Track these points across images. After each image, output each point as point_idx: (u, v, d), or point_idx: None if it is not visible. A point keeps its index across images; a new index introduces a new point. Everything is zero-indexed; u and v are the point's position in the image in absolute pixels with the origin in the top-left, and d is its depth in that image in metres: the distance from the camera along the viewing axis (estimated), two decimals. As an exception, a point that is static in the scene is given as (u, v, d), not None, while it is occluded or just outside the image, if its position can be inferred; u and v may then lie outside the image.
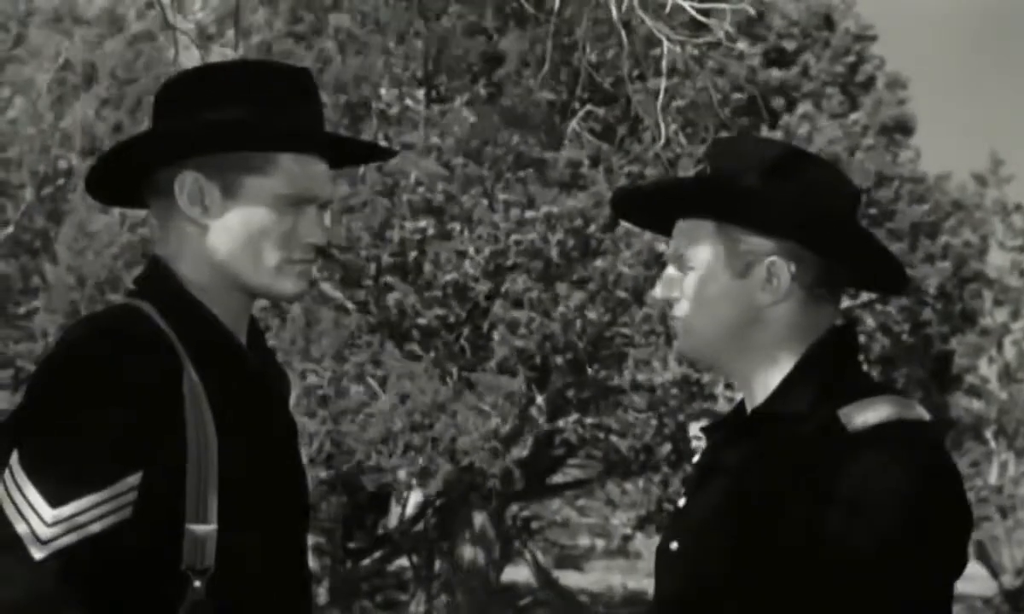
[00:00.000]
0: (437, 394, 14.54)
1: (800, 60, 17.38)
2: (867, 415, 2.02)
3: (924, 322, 17.51)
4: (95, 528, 1.97)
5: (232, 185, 2.13)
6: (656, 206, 2.23)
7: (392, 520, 17.49)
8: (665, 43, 6.48)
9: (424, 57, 15.89)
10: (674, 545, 2.16)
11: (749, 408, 2.17)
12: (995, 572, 19.95)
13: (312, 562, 14.94)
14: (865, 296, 15.57)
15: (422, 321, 15.14)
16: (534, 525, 20.17)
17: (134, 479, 2.00)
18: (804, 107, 16.75)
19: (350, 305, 15.49)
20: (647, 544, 19.40)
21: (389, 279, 15.14)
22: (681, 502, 2.20)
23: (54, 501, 1.96)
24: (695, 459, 2.28)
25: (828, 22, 17.84)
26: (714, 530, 2.09)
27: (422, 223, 14.77)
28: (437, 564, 17.34)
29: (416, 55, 15.90)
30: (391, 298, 15.03)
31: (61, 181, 20.84)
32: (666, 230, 2.22)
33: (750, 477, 2.07)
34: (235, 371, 2.15)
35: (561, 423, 15.53)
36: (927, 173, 17.88)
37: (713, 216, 2.13)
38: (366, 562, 17.94)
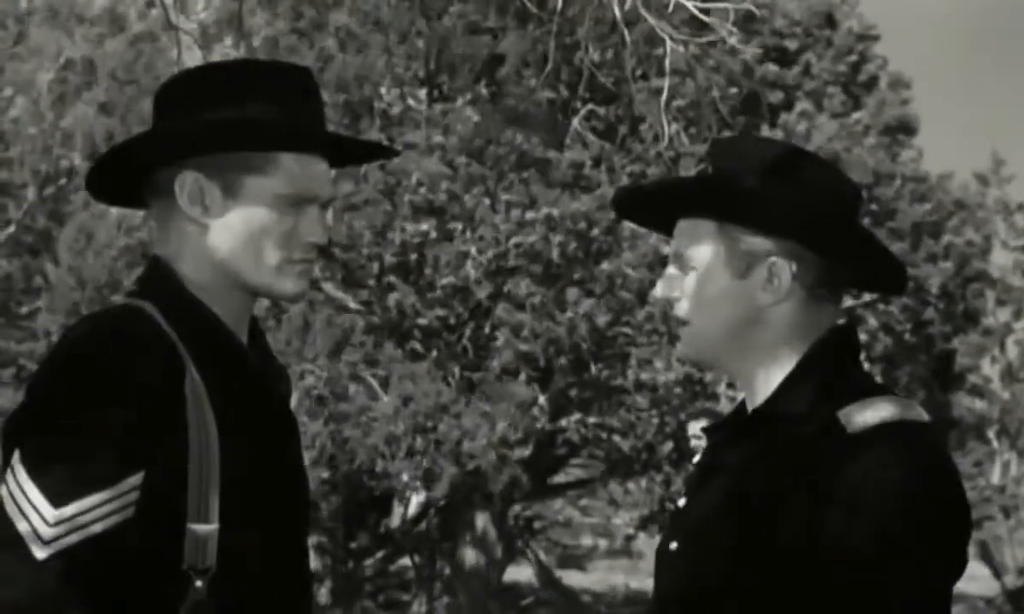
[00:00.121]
0: (440, 395, 14.51)
1: (802, 59, 17.36)
2: (867, 415, 2.02)
3: (927, 321, 17.49)
4: (97, 528, 1.97)
5: (233, 185, 2.13)
6: (657, 206, 2.24)
7: (394, 520, 17.45)
8: (668, 42, 6.47)
9: (426, 56, 15.88)
10: (674, 545, 2.16)
11: (750, 408, 2.17)
12: (998, 572, 19.92)
13: (314, 562, 14.95)
14: (868, 295, 15.55)
15: (423, 321, 15.12)
16: (536, 525, 20.11)
17: (136, 479, 2.00)
18: (803, 105, 16.73)
19: (352, 304, 15.47)
20: (650, 544, 19.34)
21: (392, 279, 15.12)
22: (681, 502, 2.20)
23: (56, 501, 1.96)
24: (696, 459, 2.28)
25: (830, 21, 17.83)
26: (714, 530, 2.08)
27: (423, 226, 14.74)
28: (439, 564, 17.33)
29: (418, 54, 15.89)
30: (391, 298, 15.00)
31: (63, 181, 20.83)
32: (667, 229, 2.22)
33: (750, 477, 2.07)
34: (236, 371, 2.15)
35: (563, 423, 15.50)
36: (929, 173, 17.87)
37: (714, 216, 2.14)
38: (368, 562, 17.92)
